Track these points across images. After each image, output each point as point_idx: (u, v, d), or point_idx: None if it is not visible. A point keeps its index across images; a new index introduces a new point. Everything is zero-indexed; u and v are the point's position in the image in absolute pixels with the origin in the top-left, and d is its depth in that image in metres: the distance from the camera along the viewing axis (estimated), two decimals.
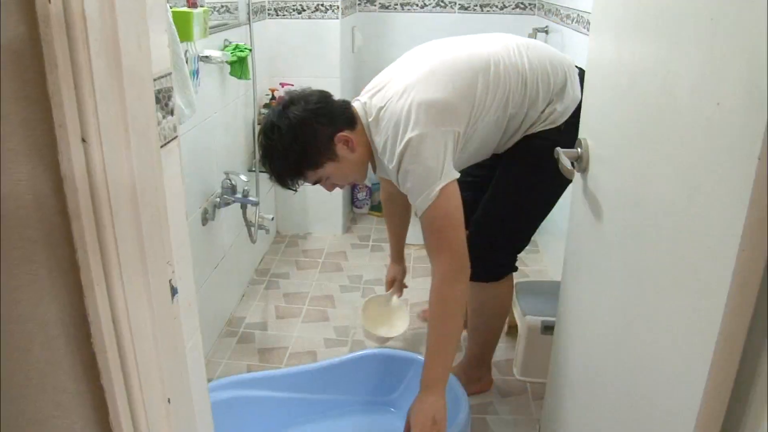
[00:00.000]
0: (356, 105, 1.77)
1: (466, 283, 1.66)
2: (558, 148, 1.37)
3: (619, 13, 1.19)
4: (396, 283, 2.43)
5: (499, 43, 1.77)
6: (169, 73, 0.82)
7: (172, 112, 0.83)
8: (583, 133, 1.38)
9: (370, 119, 1.71)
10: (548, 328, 2.12)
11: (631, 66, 1.11)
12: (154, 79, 0.77)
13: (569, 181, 1.79)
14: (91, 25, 0.61)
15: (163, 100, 0.80)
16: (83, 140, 0.64)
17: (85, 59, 0.61)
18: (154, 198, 0.75)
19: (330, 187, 1.83)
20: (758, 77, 0.70)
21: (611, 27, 1.23)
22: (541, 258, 3.24)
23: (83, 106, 0.63)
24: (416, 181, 1.60)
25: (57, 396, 0.85)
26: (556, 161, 1.41)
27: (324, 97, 1.75)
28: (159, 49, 0.78)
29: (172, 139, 0.83)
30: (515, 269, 2.06)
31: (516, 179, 1.89)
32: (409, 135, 1.58)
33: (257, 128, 2.85)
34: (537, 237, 3.41)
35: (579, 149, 1.34)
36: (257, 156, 2.85)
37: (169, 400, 0.84)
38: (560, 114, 1.76)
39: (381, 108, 1.68)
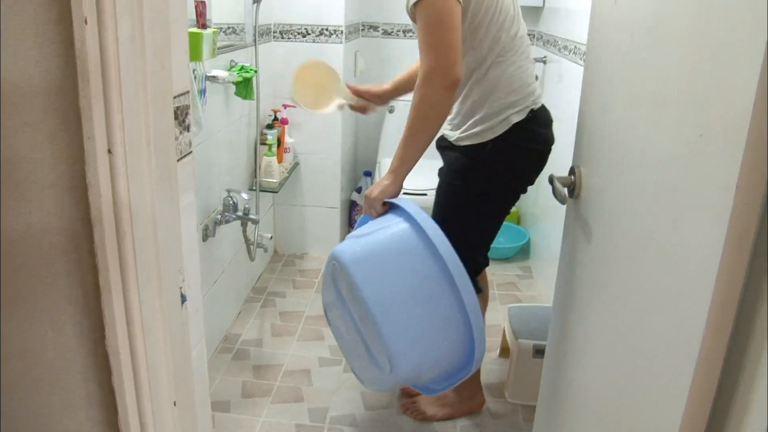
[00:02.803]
0: None
1: (446, 89, 1.64)
2: (552, 174, 1.42)
3: (612, 46, 1.24)
4: (365, 90, 2.25)
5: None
6: (187, 92, 0.87)
7: (188, 128, 0.88)
8: (575, 161, 1.43)
9: None
10: (540, 352, 2.15)
11: (621, 95, 1.17)
12: (174, 97, 0.82)
13: (502, 190, 1.88)
14: (123, 46, 0.66)
15: (181, 116, 0.85)
16: (109, 151, 0.69)
17: (116, 76, 0.66)
18: (170, 208, 0.80)
19: None
20: (736, 112, 0.75)
21: (604, 58, 1.28)
22: (535, 283, 3.28)
23: (111, 120, 0.68)
24: None
25: (67, 396, 0.88)
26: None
27: None
28: (180, 69, 0.83)
29: (188, 154, 0.88)
30: (478, 269, 2.02)
31: (441, 189, 1.95)
32: None
33: (259, 148, 2.91)
34: (531, 262, 3.46)
35: (572, 177, 1.39)
36: (258, 175, 2.90)
37: (174, 403, 0.88)
38: (490, 129, 1.79)
39: None
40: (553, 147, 1.99)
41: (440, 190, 1.94)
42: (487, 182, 1.84)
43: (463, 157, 1.82)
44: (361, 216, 1.86)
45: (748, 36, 0.74)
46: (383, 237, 1.65)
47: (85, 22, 0.64)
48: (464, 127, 1.82)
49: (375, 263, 1.59)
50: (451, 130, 1.88)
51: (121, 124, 0.68)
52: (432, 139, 1.71)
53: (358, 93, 2.23)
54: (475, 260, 1.94)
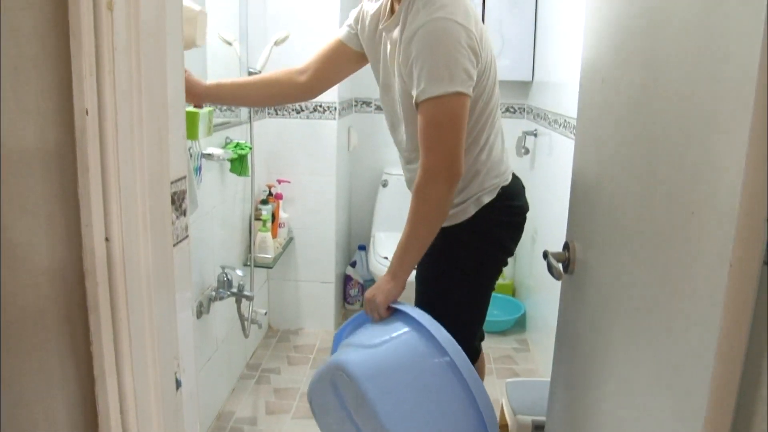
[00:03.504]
0: None
1: (450, 189, 1.60)
2: (546, 250, 1.42)
3: (601, 123, 1.27)
4: None
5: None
6: (184, 177, 0.88)
7: (185, 213, 0.88)
8: (569, 236, 1.44)
9: None
10: (539, 428, 2.11)
11: (612, 172, 1.19)
12: (171, 182, 0.83)
13: (485, 263, 1.86)
14: (122, 135, 0.67)
15: (178, 201, 0.86)
16: (107, 239, 0.69)
17: (114, 165, 0.67)
18: (165, 293, 0.80)
19: None
20: (726, 189, 0.77)
21: (594, 135, 1.31)
22: (532, 356, 3.24)
23: (109, 208, 0.68)
24: (436, 65, 1.53)
25: None
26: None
27: None
28: (177, 154, 0.84)
29: (184, 239, 0.88)
30: (474, 355, 1.99)
31: (423, 277, 1.92)
32: (439, 14, 1.53)
33: (254, 223, 2.92)
34: (527, 335, 3.43)
35: (566, 252, 1.40)
36: (252, 251, 2.90)
37: None
38: (463, 211, 1.78)
39: None
40: (545, 221, 1.99)
41: (423, 278, 1.90)
42: (470, 259, 1.82)
43: (438, 242, 1.75)
44: (359, 314, 1.83)
45: (734, 112, 0.76)
46: (394, 350, 1.59)
47: (86, 113, 0.66)
48: None
49: (388, 379, 1.52)
50: None
51: (119, 212, 0.69)
52: (433, 238, 1.66)
53: None
54: (471, 343, 1.91)
